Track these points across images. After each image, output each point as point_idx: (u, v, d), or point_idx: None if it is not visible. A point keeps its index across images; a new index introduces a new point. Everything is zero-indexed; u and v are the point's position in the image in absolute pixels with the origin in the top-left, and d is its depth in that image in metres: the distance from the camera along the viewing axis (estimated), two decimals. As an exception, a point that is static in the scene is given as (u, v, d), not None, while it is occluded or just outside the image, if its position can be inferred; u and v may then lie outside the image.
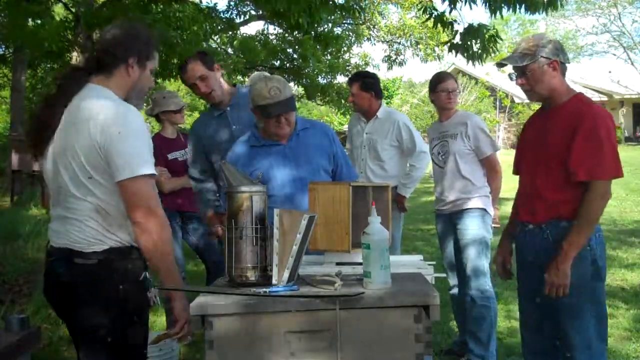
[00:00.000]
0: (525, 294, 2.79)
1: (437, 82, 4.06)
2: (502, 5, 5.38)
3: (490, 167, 3.94)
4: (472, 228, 3.84)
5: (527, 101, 27.39)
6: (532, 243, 2.66)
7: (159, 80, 11.70)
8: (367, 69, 17.45)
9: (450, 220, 3.99)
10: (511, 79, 2.70)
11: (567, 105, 2.60)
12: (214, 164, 3.45)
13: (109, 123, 2.01)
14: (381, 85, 4.76)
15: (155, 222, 2.05)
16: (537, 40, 2.63)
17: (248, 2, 13.18)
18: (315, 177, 2.83)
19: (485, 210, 3.87)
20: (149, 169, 2.05)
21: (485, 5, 5.46)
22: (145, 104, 4.40)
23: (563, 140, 2.53)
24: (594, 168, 2.47)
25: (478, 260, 3.82)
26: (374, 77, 4.64)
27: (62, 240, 2.12)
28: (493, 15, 5.55)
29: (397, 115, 4.59)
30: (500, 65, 2.77)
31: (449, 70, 32.40)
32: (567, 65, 2.66)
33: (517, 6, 5.36)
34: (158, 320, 4.77)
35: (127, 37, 2.19)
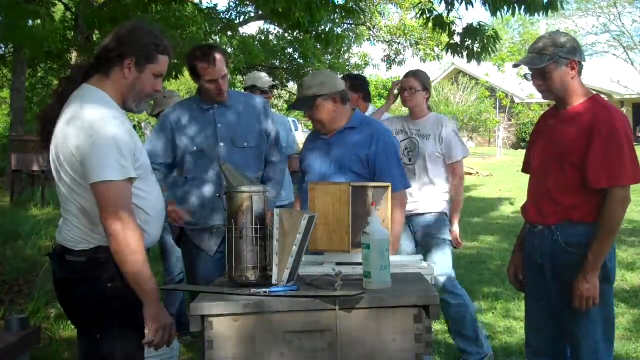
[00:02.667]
0: (532, 295, 2.75)
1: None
2: (503, 6, 5.37)
3: (455, 173, 3.92)
4: (433, 231, 3.83)
5: (528, 101, 27.47)
6: (541, 245, 2.60)
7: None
8: (366, 69, 17.46)
9: (410, 221, 3.88)
10: (527, 79, 2.62)
11: (583, 107, 2.52)
12: (183, 156, 3.24)
13: (84, 126, 2.02)
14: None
15: (120, 226, 2.00)
16: (555, 39, 2.53)
17: (248, 2, 13.17)
18: (339, 178, 2.90)
19: (445, 214, 3.87)
20: (119, 174, 2.02)
21: (485, 6, 5.45)
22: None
23: (579, 143, 2.47)
24: (615, 174, 2.41)
25: (443, 262, 3.81)
26: (362, 80, 4.74)
27: (59, 237, 2.17)
28: (494, 16, 5.53)
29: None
30: (517, 66, 2.68)
31: (449, 71, 32.47)
32: (583, 64, 2.58)
33: (517, 7, 5.34)
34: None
35: (127, 37, 2.16)
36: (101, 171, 1.99)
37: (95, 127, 2.02)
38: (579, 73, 2.54)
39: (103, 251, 2.09)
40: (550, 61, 2.48)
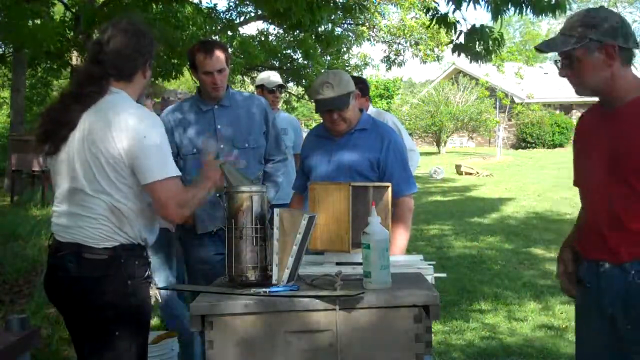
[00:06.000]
0: (587, 345, 2.16)
1: None
2: (508, 6, 5.34)
3: None
4: None
5: (527, 101, 27.44)
6: (609, 288, 2.00)
7: (159, 80, 11.71)
8: (366, 70, 17.49)
9: None
10: (556, 65, 2.11)
11: (636, 104, 1.98)
12: (182, 157, 3.24)
13: (135, 129, 2.11)
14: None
15: (184, 214, 2.24)
16: (588, 17, 2.01)
17: (248, 2, 13.18)
18: (347, 180, 2.78)
19: None
20: (176, 170, 2.18)
21: (488, 8, 5.43)
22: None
23: None
24: None
25: None
26: (367, 83, 4.75)
27: (72, 235, 2.16)
28: (495, 20, 5.52)
29: (385, 115, 4.64)
30: (539, 50, 2.14)
31: (449, 71, 32.43)
32: (635, 50, 2.02)
33: (524, 8, 5.32)
34: (158, 320, 4.77)
35: (142, 41, 2.26)
36: (161, 169, 2.12)
37: (146, 128, 2.13)
38: (626, 61, 2.01)
39: (124, 249, 2.16)
40: (576, 44, 1.99)
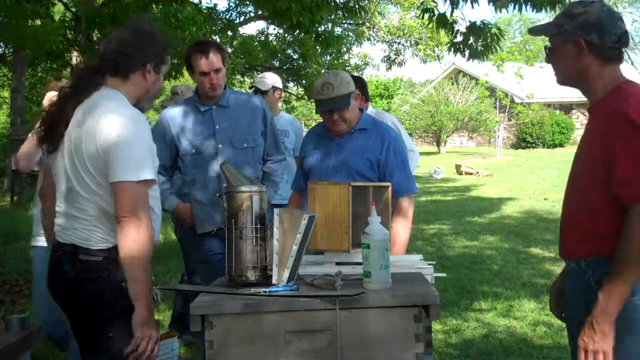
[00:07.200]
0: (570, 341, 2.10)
1: None
2: (508, 2, 5.36)
3: None
4: None
5: (527, 101, 27.44)
6: (573, 287, 2.00)
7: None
8: (366, 69, 17.47)
9: None
10: (545, 51, 2.07)
11: (605, 102, 1.92)
12: (181, 157, 3.29)
13: (112, 127, 2.06)
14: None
15: (135, 227, 2.04)
16: (572, 7, 1.97)
17: (248, 2, 13.18)
18: (347, 180, 2.78)
19: None
20: (143, 174, 2.07)
21: (490, 4, 5.44)
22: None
23: (600, 148, 1.86)
24: (637, 186, 1.79)
25: None
26: (364, 82, 4.74)
27: (68, 236, 2.16)
28: (498, 11, 5.52)
29: (385, 115, 4.65)
30: (530, 32, 2.12)
31: (449, 71, 32.44)
32: (613, 47, 1.91)
33: (523, 4, 5.33)
34: (158, 320, 4.77)
35: (146, 41, 2.23)
36: (125, 171, 2.04)
37: (124, 128, 2.07)
38: (603, 58, 1.92)
39: (117, 250, 2.12)
40: (553, 31, 1.97)
